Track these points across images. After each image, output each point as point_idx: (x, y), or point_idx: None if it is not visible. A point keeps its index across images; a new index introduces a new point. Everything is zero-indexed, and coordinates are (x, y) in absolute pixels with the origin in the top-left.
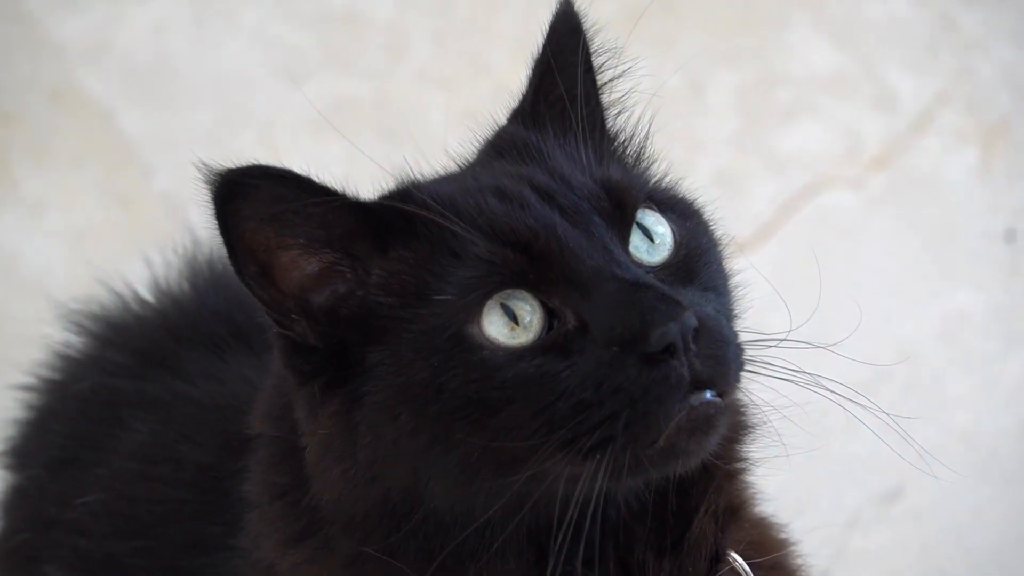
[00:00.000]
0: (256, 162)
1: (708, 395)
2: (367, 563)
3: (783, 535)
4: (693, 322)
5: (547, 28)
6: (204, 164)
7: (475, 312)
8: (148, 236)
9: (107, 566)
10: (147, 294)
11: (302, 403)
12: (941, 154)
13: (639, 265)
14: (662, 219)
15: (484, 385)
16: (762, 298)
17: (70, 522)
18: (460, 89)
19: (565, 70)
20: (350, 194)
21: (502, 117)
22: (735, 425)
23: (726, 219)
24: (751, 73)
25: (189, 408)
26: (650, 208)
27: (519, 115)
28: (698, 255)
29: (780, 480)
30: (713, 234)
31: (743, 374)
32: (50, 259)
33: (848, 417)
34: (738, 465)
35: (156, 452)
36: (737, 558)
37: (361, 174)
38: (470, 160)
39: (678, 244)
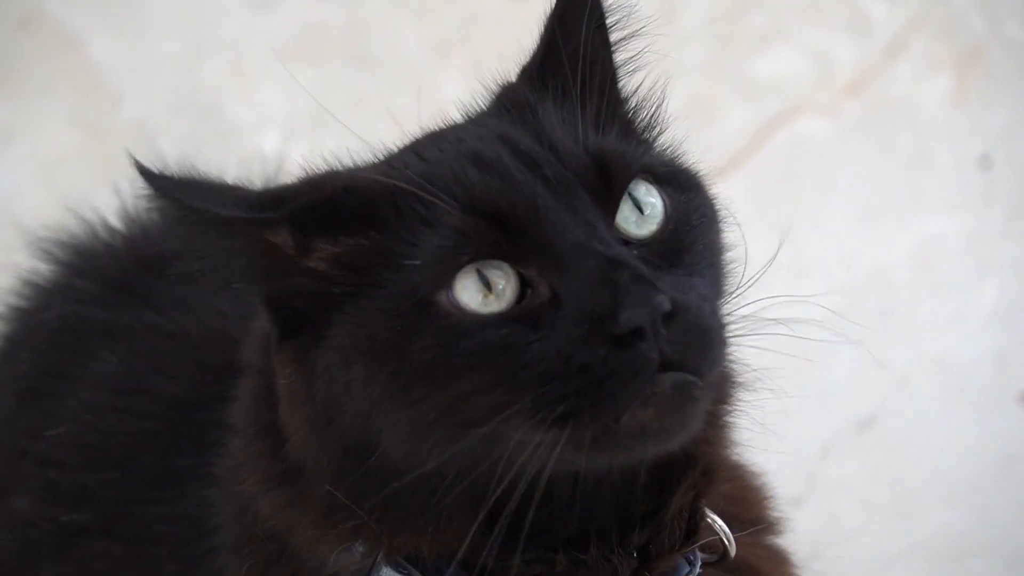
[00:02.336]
0: (173, 176)
1: (679, 377)
2: (339, 510)
3: (760, 485)
4: (666, 307)
5: None
6: (137, 162)
7: (446, 279)
8: (117, 164)
9: (78, 498)
10: (116, 222)
11: (272, 350)
12: (915, 80)
13: (625, 239)
14: (654, 191)
15: (448, 351)
16: (738, 225)
17: (39, 453)
18: (431, 15)
19: (572, 28)
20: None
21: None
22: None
23: (700, 146)
24: None
25: (160, 338)
26: (645, 179)
27: (527, 72)
28: (688, 231)
29: (753, 411)
30: (711, 209)
31: (725, 354)
32: (18, 187)
33: (822, 347)
34: (718, 429)
35: (127, 383)
36: (716, 519)
37: (332, 100)
38: (476, 112)
39: (668, 218)
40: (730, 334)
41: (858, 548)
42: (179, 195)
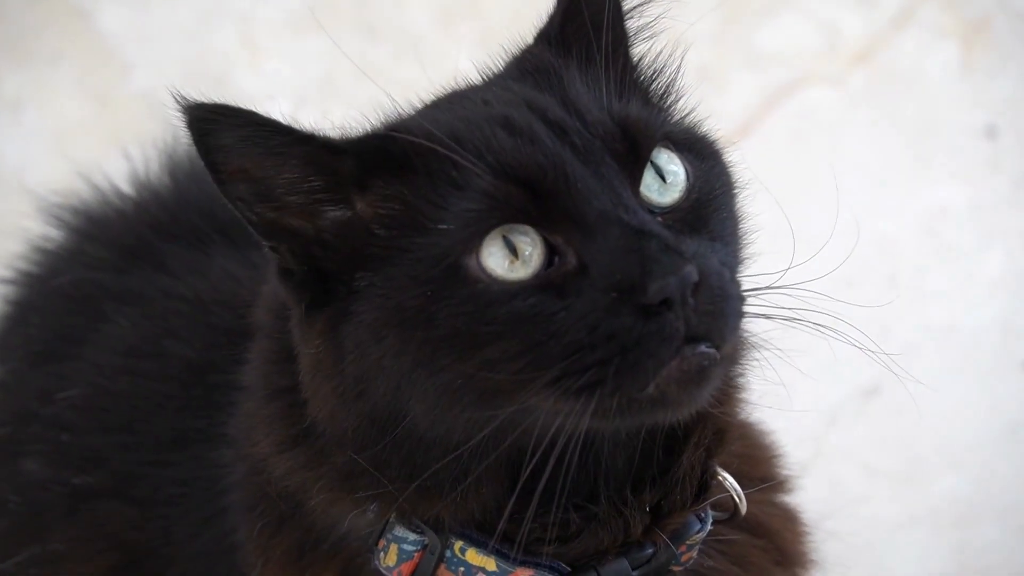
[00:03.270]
0: (227, 103)
1: (702, 347)
2: (360, 477)
3: (769, 443)
4: (694, 276)
5: None
6: (179, 94)
7: (475, 244)
8: (127, 134)
9: (88, 460)
10: (128, 188)
11: (295, 320)
12: (922, 50)
13: (649, 206)
14: (676, 159)
15: (476, 318)
16: (765, 190)
17: (51, 416)
18: None
19: None
20: (322, 135)
21: (528, 37)
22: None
23: (708, 115)
24: None
25: (173, 303)
26: (666, 147)
27: (545, 36)
28: (710, 199)
29: (759, 378)
30: (729, 177)
31: (742, 324)
32: (29, 156)
33: (828, 316)
34: (730, 390)
35: (139, 346)
36: (727, 477)
37: (341, 70)
38: (495, 74)
39: (691, 187)
40: (747, 302)
41: (863, 514)
42: (250, 114)
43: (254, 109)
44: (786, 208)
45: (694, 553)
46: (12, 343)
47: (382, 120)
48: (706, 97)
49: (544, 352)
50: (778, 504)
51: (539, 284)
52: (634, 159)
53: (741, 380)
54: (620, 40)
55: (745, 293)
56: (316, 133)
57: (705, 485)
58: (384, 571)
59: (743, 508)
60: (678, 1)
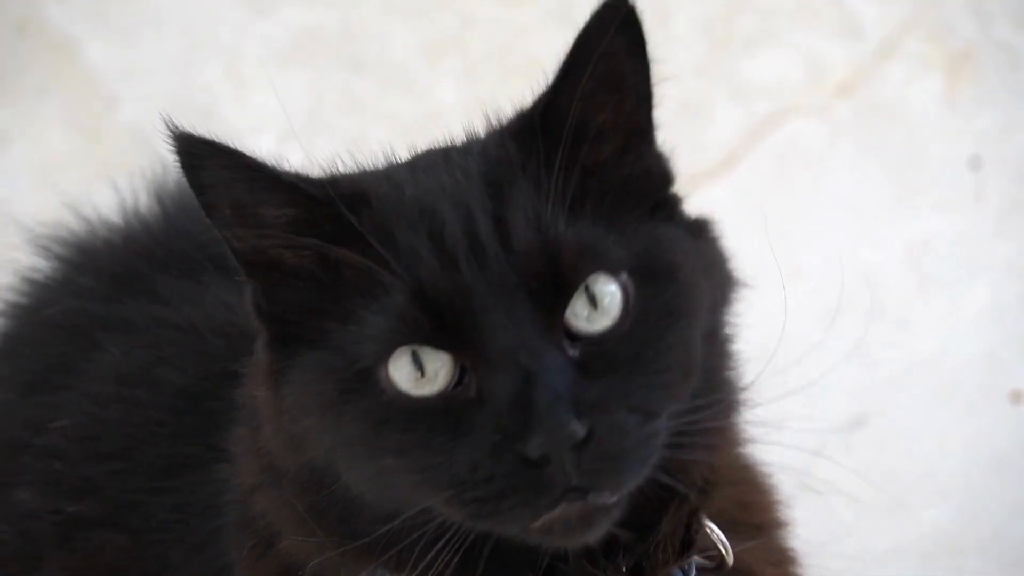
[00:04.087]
0: (214, 139)
1: (586, 498)
2: (306, 524)
3: (768, 488)
4: (578, 435)
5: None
6: (170, 121)
7: (384, 356)
8: (114, 167)
9: (82, 490)
10: (116, 219)
11: (256, 356)
12: (906, 82)
13: (575, 333)
14: (614, 284)
15: (376, 430)
16: (725, 231)
17: (43, 446)
18: (424, 18)
19: (569, 83)
20: (305, 182)
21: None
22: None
23: (692, 147)
24: (716, 1)
25: (165, 331)
26: (606, 273)
27: (526, 119)
28: (645, 330)
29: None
30: (681, 301)
31: (646, 470)
32: (16, 189)
33: (812, 345)
34: (722, 443)
35: (132, 375)
36: (714, 529)
37: (326, 103)
38: (470, 145)
39: (626, 313)
40: (655, 447)
41: (850, 546)
42: (236, 155)
43: (238, 145)
44: (771, 238)
45: None
46: (1, 374)
47: (359, 169)
48: (690, 129)
49: (433, 476)
50: (770, 550)
51: (442, 403)
52: (556, 292)
53: (736, 430)
54: (585, 142)
55: (654, 440)
56: (300, 175)
57: (690, 539)
58: None
59: (730, 560)
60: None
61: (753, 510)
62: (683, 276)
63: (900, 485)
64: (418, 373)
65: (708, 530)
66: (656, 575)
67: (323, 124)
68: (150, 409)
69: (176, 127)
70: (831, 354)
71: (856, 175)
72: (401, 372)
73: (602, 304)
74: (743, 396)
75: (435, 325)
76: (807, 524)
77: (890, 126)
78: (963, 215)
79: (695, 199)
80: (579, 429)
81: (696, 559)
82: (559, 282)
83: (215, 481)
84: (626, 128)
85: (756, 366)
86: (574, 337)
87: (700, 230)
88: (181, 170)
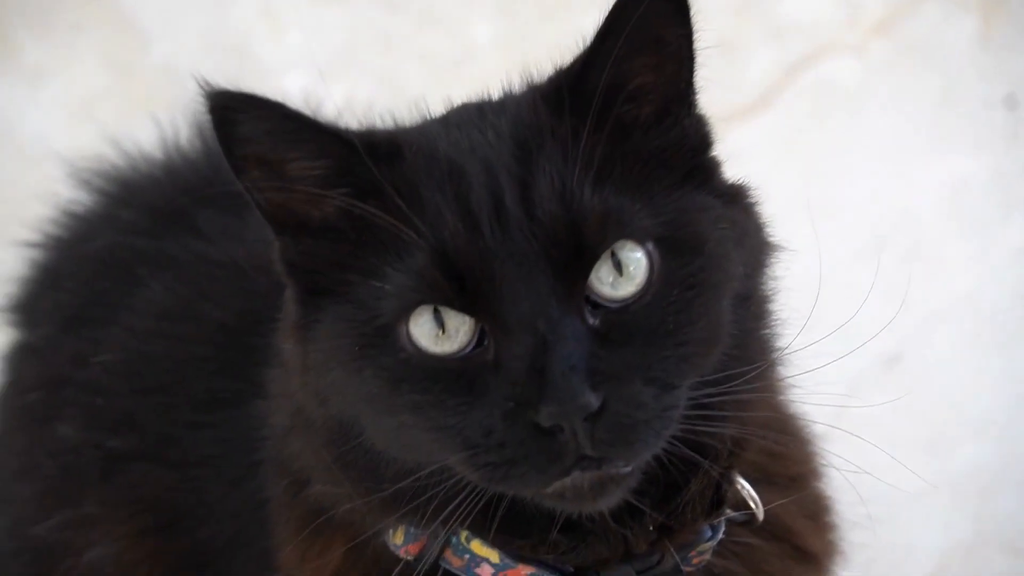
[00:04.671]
0: (252, 92)
1: (593, 474)
2: (333, 473)
3: (805, 438)
4: (592, 407)
5: None
6: (203, 79)
7: (405, 313)
8: (149, 104)
9: (123, 424)
10: (158, 153)
11: (285, 309)
12: (941, 21)
13: (597, 301)
14: (640, 251)
15: (394, 388)
16: (761, 170)
17: (84, 381)
18: None
19: (606, 47)
20: (345, 131)
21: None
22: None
23: (726, 88)
24: None
25: (208, 267)
26: (632, 240)
27: (556, 83)
28: (668, 301)
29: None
30: (705, 276)
31: (659, 441)
32: (52, 127)
33: (848, 284)
34: (757, 399)
35: (174, 310)
36: (745, 485)
37: (361, 42)
38: (505, 102)
39: (649, 283)
40: (675, 420)
41: (884, 484)
42: (276, 106)
43: (270, 95)
44: (807, 178)
45: (706, 556)
46: (42, 307)
47: (399, 123)
48: (725, 68)
49: (449, 437)
50: (804, 501)
51: (459, 365)
52: (576, 261)
53: (771, 385)
54: (617, 107)
55: (670, 412)
56: (339, 128)
57: (721, 498)
58: (392, 547)
59: (760, 515)
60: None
61: (788, 461)
62: (711, 247)
63: (934, 423)
64: (438, 330)
65: (739, 486)
66: (683, 532)
67: (357, 63)
68: (192, 344)
69: (210, 85)
70: (866, 292)
71: (891, 115)
72: (421, 329)
73: (627, 271)
74: (779, 355)
75: (455, 288)
76: (840, 462)
77: (925, 66)
78: (998, 155)
79: (729, 139)
80: (592, 400)
81: (728, 512)
82: (582, 250)
83: (255, 416)
84: (665, 93)
85: (794, 307)
86: (596, 305)
87: (735, 196)
88: (214, 128)
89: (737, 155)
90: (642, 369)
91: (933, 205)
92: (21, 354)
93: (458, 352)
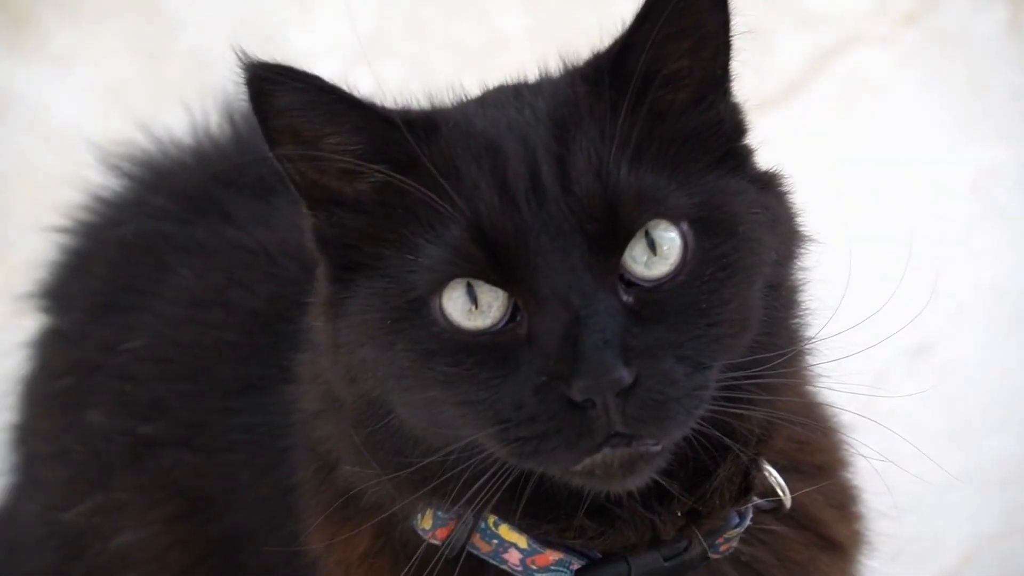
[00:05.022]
0: (289, 64)
1: (630, 444)
2: (362, 454)
3: (831, 427)
4: (624, 382)
5: None
6: (241, 50)
7: (437, 288)
8: (178, 90)
9: (153, 410)
10: (188, 139)
11: (317, 286)
12: (970, 11)
13: (631, 279)
14: (674, 231)
15: (425, 361)
16: (789, 159)
17: (114, 367)
18: None
19: (644, 30)
20: (381, 106)
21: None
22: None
23: (755, 76)
24: None
25: (237, 252)
26: (667, 219)
27: (593, 66)
28: (701, 281)
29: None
30: (737, 258)
31: (690, 419)
32: (81, 113)
33: (875, 273)
34: (784, 387)
35: (204, 296)
36: (772, 472)
37: (392, 27)
38: (541, 84)
39: (683, 263)
40: (706, 400)
41: (912, 474)
42: (313, 78)
43: (310, 70)
44: (835, 168)
45: (733, 543)
46: (72, 293)
47: (433, 102)
48: (754, 57)
49: (479, 411)
50: (831, 491)
51: (491, 339)
52: (612, 237)
53: (800, 374)
54: (654, 90)
55: (701, 392)
56: (375, 103)
57: (749, 485)
58: (420, 532)
59: (787, 503)
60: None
61: (815, 450)
62: (744, 230)
63: (961, 413)
64: (471, 305)
65: (766, 473)
66: (711, 519)
67: (388, 49)
68: (222, 331)
69: (247, 55)
70: (894, 282)
71: (919, 105)
72: (455, 303)
73: (661, 250)
74: (808, 344)
75: (490, 261)
76: (867, 452)
77: (954, 56)
78: None
79: (758, 128)
80: (625, 375)
81: (755, 500)
82: (617, 227)
83: (285, 402)
84: (701, 77)
85: (822, 297)
86: (629, 283)
87: (768, 183)
88: (250, 99)
89: (765, 144)
90: (674, 347)
91: (962, 194)
92: (51, 340)
93: (490, 327)
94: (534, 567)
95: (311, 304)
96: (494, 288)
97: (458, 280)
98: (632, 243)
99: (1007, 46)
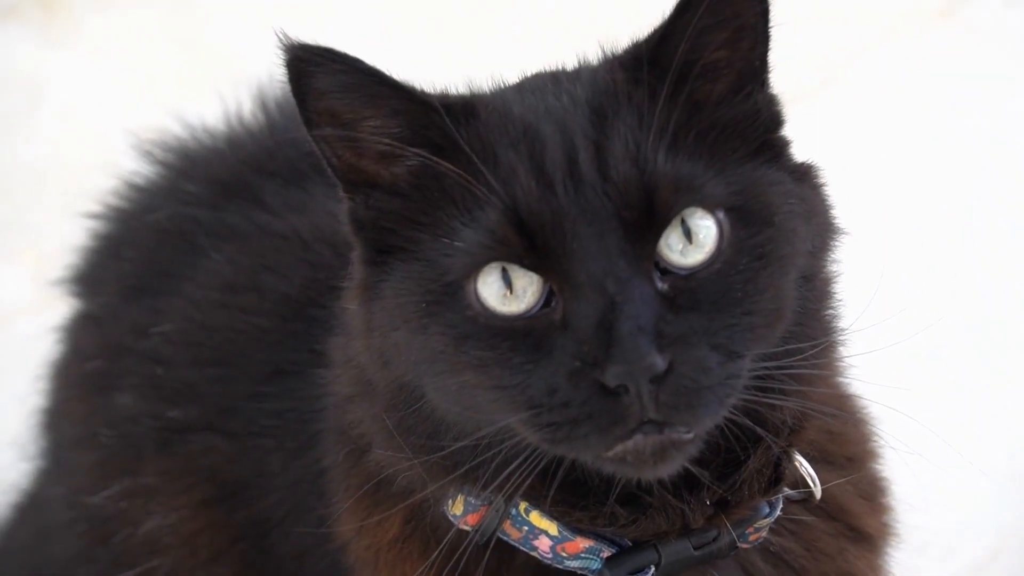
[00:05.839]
0: (331, 47)
1: (663, 432)
2: (394, 439)
3: (862, 419)
4: (658, 368)
5: None
6: (283, 33)
7: (475, 269)
8: (212, 79)
9: (183, 394)
10: (221, 125)
11: (352, 269)
12: (1002, 6)
13: (666, 267)
14: (711, 220)
15: (459, 345)
16: (823, 153)
17: (145, 350)
18: None
19: (684, 19)
20: (421, 90)
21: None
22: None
23: (790, 70)
24: None
25: (270, 239)
26: (703, 208)
27: (635, 52)
28: (736, 270)
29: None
30: (774, 247)
31: (723, 408)
32: (113, 100)
33: (905, 268)
34: (815, 378)
35: (236, 281)
36: (803, 463)
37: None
38: (580, 71)
39: (719, 251)
40: (738, 389)
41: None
42: (354, 61)
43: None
44: (867, 164)
45: (763, 533)
46: (103, 277)
47: (472, 88)
48: (790, 51)
49: (512, 396)
50: (861, 482)
51: (526, 324)
52: (648, 224)
53: (832, 366)
54: (692, 79)
55: (735, 380)
56: (413, 86)
57: (779, 475)
58: (451, 518)
59: (818, 494)
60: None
61: (845, 441)
62: (780, 220)
63: (989, 406)
64: (506, 290)
65: (797, 463)
66: (741, 508)
67: (425, 34)
68: (254, 315)
69: (288, 36)
70: (923, 274)
71: (954, 98)
72: (490, 288)
73: (697, 238)
74: (840, 335)
75: (526, 245)
76: (895, 445)
77: (989, 50)
78: None
79: (792, 120)
80: (659, 361)
81: (785, 490)
82: (653, 214)
83: (315, 387)
84: (739, 68)
85: (852, 289)
86: (664, 271)
87: (804, 175)
88: (289, 80)
89: (799, 137)
90: (708, 335)
91: (997, 190)
92: (82, 323)
93: (524, 312)
94: (564, 554)
95: (345, 288)
96: (529, 273)
97: (493, 264)
98: (668, 231)
99: None
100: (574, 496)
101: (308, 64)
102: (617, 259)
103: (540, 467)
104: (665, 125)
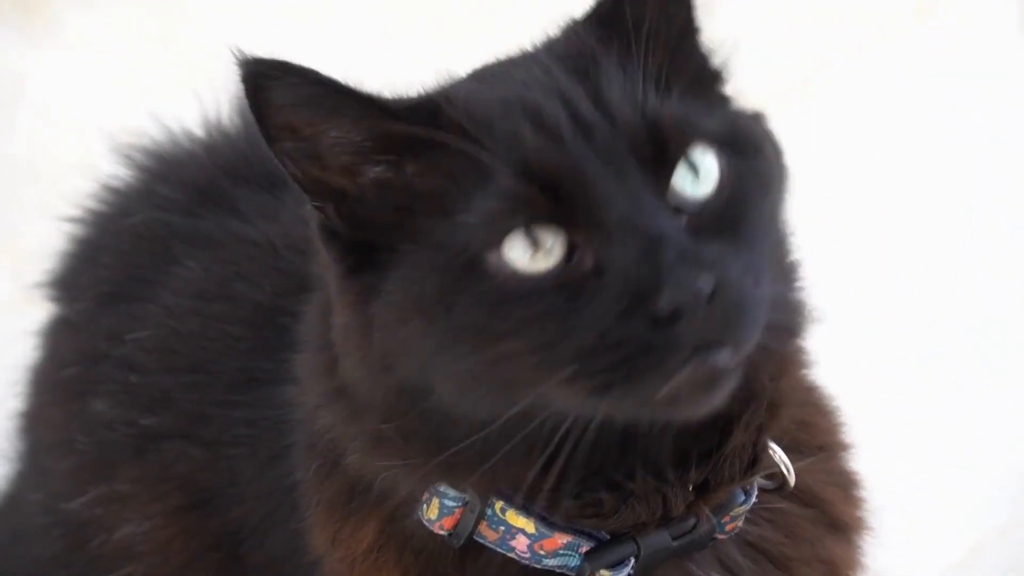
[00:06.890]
0: (286, 60)
1: (714, 356)
2: (388, 444)
3: (831, 410)
4: (708, 287)
5: None
6: (237, 48)
7: (496, 239)
8: (190, 78)
9: (157, 401)
10: (198, 130)
11: (332, 282)
12: (980, 4)
13: (681, 202)
14: (711, 154)
15: (492, 314)
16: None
17: (120, 357)
18: None
19: None
20: (379, 98)
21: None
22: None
23: (771, 70)
24: None
25: (244, 246)
26: (702, 143)
27: (592, 18)
28: (742, 198)
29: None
30: (768, 175)
31: (762, 328)
32: (92, 100)
33: (888, 268)
34: (787, 363)
35: (210, 289)
36: (777, 450)
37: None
38: (541, 48)
39: (723, 182)
40: (771, 307)
41: (918, 465)
42: (310, 73)
43: (309, 65)
44: (851, 165)
45: (739, 523)
46: (80, 283)
47: (434, 85)
48: (773, 52)
49: (557, 352)
50: (833, 472)
51: (556, 281)
52: (662, 161)
53: (801, 351)
54: (677, 21)
55: (764, 304)
56: (373, 95)
57: (755, 459)
58: (426, 523)
59: (791, 481)
60: None
61: (815, 431)
62: (767, 152)
63: (970, 405)
64: (532, 249)
65: (771, 451)
66: (719, 493)
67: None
68: (227, 323)
69: (243, 53)
70: (911, 271)
71: (937, 98)
72: (516, 250)
73: (703, 171)
74: (807, 320)
75: (548, 199)
76: (873, 444)
77: (968, 48)
78: None
79: (774, 121)
80: (708, 281)
81: (759, 480)
82: (664, 151)
83: (288, 396)
84: (681, 22)
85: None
86: (677, 209)
87: (759, 119)
88: (247, 96)
89: (783, 138)
90: (735, 259)
91: (983, 192)
92: (59, 328)
93: (554, 269)
94: (542, 552)
95: (315, 307)
96: (553, 227)
97: (516, 230)
98: (677, 168)
99: (1019, 38)
100: (568, 484)
101: (264, 79)
102: (644, 196)
103: (552, 449)
104: (647, 72)
